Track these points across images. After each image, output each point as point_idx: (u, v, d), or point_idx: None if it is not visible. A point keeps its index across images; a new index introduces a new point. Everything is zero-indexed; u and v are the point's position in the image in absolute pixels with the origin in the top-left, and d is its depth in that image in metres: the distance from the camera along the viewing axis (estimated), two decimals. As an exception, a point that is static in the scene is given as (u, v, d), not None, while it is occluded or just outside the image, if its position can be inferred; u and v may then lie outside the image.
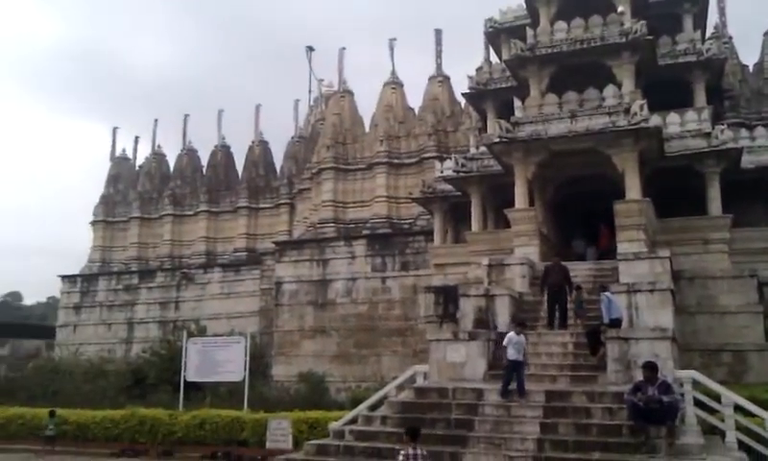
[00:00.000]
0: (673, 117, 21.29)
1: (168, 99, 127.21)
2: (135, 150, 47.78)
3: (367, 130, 34.27)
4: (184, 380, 20.19)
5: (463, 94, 27.85)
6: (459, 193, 24.13)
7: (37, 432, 19.56)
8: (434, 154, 30.55)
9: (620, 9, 21.67)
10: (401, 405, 13.37)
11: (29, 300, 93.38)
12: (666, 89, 21.72)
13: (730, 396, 12.37)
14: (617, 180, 18.95)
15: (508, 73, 24.21)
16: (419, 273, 28.22)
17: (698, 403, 12.54)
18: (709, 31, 25.64)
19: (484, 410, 12.40)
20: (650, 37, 20.83)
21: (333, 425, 13.71)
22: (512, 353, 12.55)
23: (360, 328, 28.93)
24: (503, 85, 25.63)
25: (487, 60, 27.88)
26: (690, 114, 21.42)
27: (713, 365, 17.08)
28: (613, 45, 20.85)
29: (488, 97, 26.25)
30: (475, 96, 26.76)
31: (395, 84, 34.32)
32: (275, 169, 42.31)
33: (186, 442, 18.08)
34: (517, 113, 21.86)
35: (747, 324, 17.95)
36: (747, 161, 20.86)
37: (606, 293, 14.45)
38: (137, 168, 46.81)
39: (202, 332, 27.27)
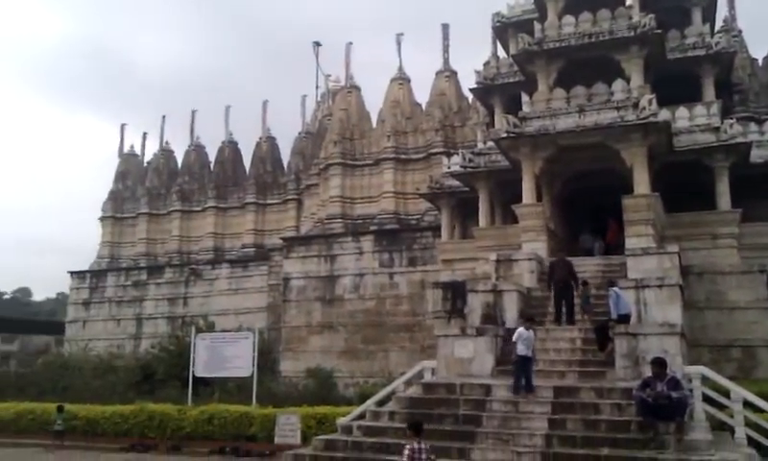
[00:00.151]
0: (682, 112, 21.17)
1: (176, 95, 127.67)
2: (144, 146, 47.98)
3: (374, 125, 34.22)
4: (193, 376, 20.25)
5: (470, 89, 27.82)
6: (466, 188, 24.09)
7: (47, 427, 19.66)
8: (441, 149, 30.47)
9: (629, 2, 21.60)
10: (409, 401, 13.37)
11: (38, 296, 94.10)
12: (675, 84, 21.61)
13: (739, 391, 12.31)
14: (626, 174, 18.88)
15: (515, 68, 24.15)
16: (426, 268, 28.19)
17: (707, 399, 12.50)
18: (719, 24, 25.51)
19: (492, 406, 12.38)
20: (659, 31, 20.72)
21: (341, 421, 13.71)
22: (521, 349, 12.52)
23: (368, 324, 28.94)
24: (511, 80, 25.59)
25: (494, 54, 27.82)
26: (699, 109, 21.30)
27: (722, 361, 17.02)
28: (622, 39, 20.76)
29: (495, 92, 26.20)
30: (483, 91, 26.70)
31: (402, 79, 34.26)
32: (282, 165, 42.35)
33: (195, 437, 18.11)
34: (525, 108, 21.79)
35: (756, 319, 17.86)
36: (756, 156, 20.73)
37: (614, 288, 14.41)
38: (145, 164, 46.92)
39: (210, 328, 27.32)
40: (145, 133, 48.39)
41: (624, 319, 13.90)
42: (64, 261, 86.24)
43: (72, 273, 43.65)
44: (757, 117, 23.02)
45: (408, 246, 29.42)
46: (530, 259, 18.18)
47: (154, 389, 22.73)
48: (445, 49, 33.78)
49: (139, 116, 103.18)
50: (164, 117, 46.47)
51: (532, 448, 10.90)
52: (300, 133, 42.14)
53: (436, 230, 27.35)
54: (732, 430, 12.28)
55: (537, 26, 22.34)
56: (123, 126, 47.90)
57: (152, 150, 47.49)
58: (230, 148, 43.66)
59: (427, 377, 14.51)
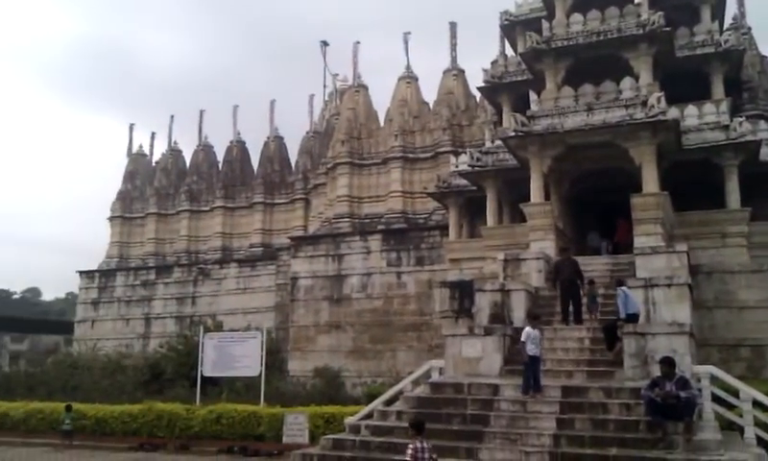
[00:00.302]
0: (691, 110, 21.05)
1: (184, 95, 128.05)
2: (152, 146, 48.15)
3: (382, 124, 34.20)
4: (201, 375, 20.29)
5: (478, 88, 27.76)
6: (474, 187, 24.05)
7: (57, 427, 19.74)
8: (449, 148, 30.43)
9: (637, 0, 21.47)
10: (417, 400, 13.36)
11: (48, 295, 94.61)
12: (684, 81, 21.50)
13: (748, 391, 12.22)
14: (634, 173, 18.79)
15: (523, 66, 24.06)
16: (434, 268, 28.15)
17: (716, 399, 12.41)
18: (728, 22, 25.35)
19: (500, 405, 12.35)
20: (667, 29, 20.62)
21: (349, 420, 13.70)
22: (531, 349, 12.47)
23: (375, 323, 28.92)
24: (519, 79, 25.51)
25: (502, 53, 27.76)
26: (708, 107, 21.16)
27: (732, 360, 16.90)
28: (630, 37, 20.66)
29: (503, 90, 26.14)
30: (490, 90, 26.64)
31: (409, 78, 34.23)
32: (290, 164, 42.40)
33: (203, 436, 18.15)
34: (533, 107, 21.73)
35: (766, 319, 17.68)
36: (766, 154, 20.60)
37: (622, 288, 14.33)
38: (154, 164, 47.07)
39: (218, 327, 27.38)
40: (153, 133, 48.65)
41: (632, 318, 13.81)
42: (74, 261, 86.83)
43: (81, 272, 43.84)
44: (767, 115, 22.87)
45: (416, 245, 29.38)
46: (538, 259, 18.11)
47: (162, 388, 22.81)
48: (453, 48, 33.71)
49: (148, 116, 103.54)
50: (172, 117, 46.72)
51: (540, 448, 10.88)
52: (307, 133, 42.18)
53: (444, 229, 27.31)
54: (741, 430, 12.19)
55: (545, 24, 22.27)
56: (131, 126, 48.13)
57: (160, 150, 47.71)
58: (238, 147, 43.75)
59: (435, 377, 14.47)
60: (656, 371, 11.41)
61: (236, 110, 43.64)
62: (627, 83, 19.82)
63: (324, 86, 45.41)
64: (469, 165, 23.57)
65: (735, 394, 12.37)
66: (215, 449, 17.44)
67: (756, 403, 12.16)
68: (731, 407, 12.45)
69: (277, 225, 39.85)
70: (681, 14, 23.16)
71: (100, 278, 42.90)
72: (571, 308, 15.44)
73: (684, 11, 23.54)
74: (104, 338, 39.00)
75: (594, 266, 17.92)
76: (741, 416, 12.21)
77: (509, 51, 27.72)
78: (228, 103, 49.99)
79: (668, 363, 10.92)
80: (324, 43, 45.19)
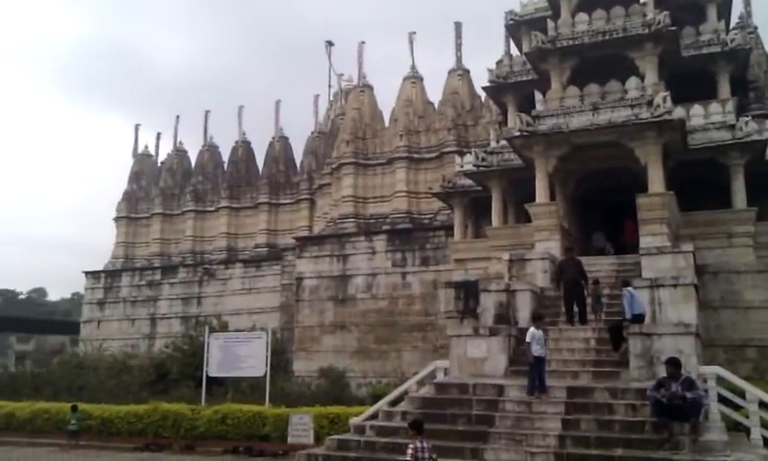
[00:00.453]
0: (697, 109, 20.99)
1: (189, 96, 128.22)
2: (158, 146, 48.10)
3: (387, 124, 34.16)
4: (206, 375, 20.32)
5: (483, 88, 27.74)
6: (479, 188, 24.03)
7: (63, 427, 19.82)
8: (454, 148, 30.37)
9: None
10: (422, 401, 13.35)
11: (53, 296, 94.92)
12: (690, 81, 21.43)
13: (754, 392, 12.20)
14: (640, 173, 18.74)
15: (529, 66, 24.03)
16: (439, 268, 28.11)
17: (722, 400, 12.40)
18: (734, 21, 25.26)
19: (505, 406, 12.33)
20: (673, 28, 20.57)
21: (354, 421, 13.72)
22: (536, 349, 12.43)
23: (380, 324, 28.89)
24: (524, 79, 25.48)
25: (507, 52, 27.71)
26: (714, 106, 21.09)
27: (738, 361, 16.86)
28: (636, 37, 20.61)
29: (508, 90, 26.11)
30: (495, 89, 26.62)
31: (414, 78, 34.18)
32: (295, 165, 42.39)
33: (208, 436, 18.19)
34: (538, 106, 21.68)
35: (772, 319, 17.68)
36: (772, 153, 20.51)
37: (628, 288, 14.28)
38: (159, 164, 47.08)
39: (223, 328, 27.43)
40: (159, 134, 48.60)
41: (638, 319, 13.77)
42: (79, 261, 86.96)
43: (87, 273, 43.91)
44: (773, 114, 22.77)
45: (421, 245, 29.35)
46: (543, 259, 18.08)
47: (167, 389, 22.86)
48: (458, 47, 33.65)
49: (154, 117, 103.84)
50: (178, 117, 46.68)
51: (545, 449, 10.86)
52: (312, 133, 42.18)
53: (449, 229, 27.27)
54: (747, 431, 12.17)
55: (550, 24, 22.23)
56: (137, 126, 48.12)
57: (166, 150, 47.72)
58: (243, 148, 43.77)
59: (440, 377, 14.46)
60: (662, 371, 11.37)
61: (241, 111, 43.70)
62: (632, 82, 19.77)
63: (329, 86, 45.45)
64: (474, 165, 23.55)
65: (742, 394, 12.35)
66: (220, 450, 17.48)
67: (763, 404, 12.15)
68: (737, 408, 12.43)
69: (282, 225, 39.84)
70: (686, 14, 23.09)
71: (105, 278, 42.96)
72: (576, 309, 15.41)
73: (689, 10, 23.46)
74: (109, 338, 39.03)
75: (600, 266, 17.89)
76: (747, 417, 12.21)
77: (514, 51, 27.68)
78: (234, 103, 50.25)
79: (674, 364, 10.88)
80: (330, 43, 45.21)
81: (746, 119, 20.31)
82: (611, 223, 20.98)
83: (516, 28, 27.09)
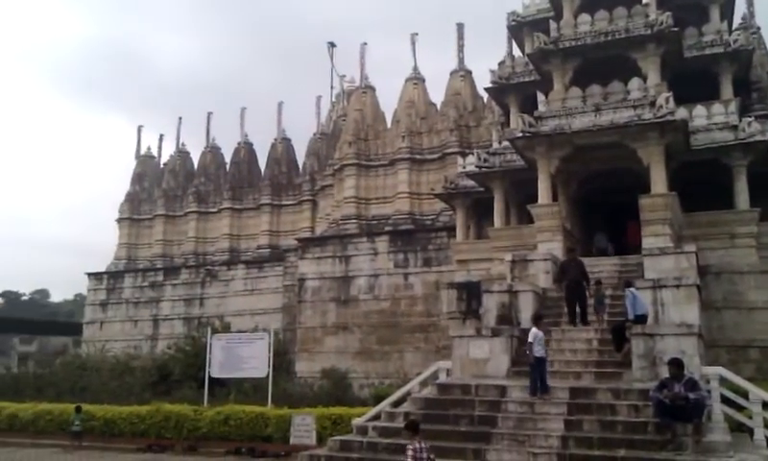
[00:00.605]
0: (699, 110, 20.97)
1: (192, 97, 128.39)
2: (160, 148, 48.29)
3: (389, 125, 34.20)
4: (209, 376, 20.30)
5: (485, 89, 27.74)
6: (481, 189, 24.02)
7: (66, 428, 19.81)
8: (456, 149, 30.39)
9: (645, 0, 21.40)
10: (424, 402, 13.34)
11: (56, 297, 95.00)
12: (692, 82, 21.41)
13: (757, 392, 12.17)
14: (642, 174, 18.73)
15: (531, 67, 24.04)
16: (441, 269, 28.12)
17: (725, 400, 12.38)
18: (737, 21, 25.23)
19: (507, 407, 12.31)
20: (676, 29, 20.55)
21: (356, 422, 13.70)
22: (538, 350, 12.42)
23: (382, 325, 28.90)
24: (526, 80, 25.49)
25: (509, 54, 27.73)
26: (717, 107, 21.07)
27: (741, 361, 16.81)
28: (638, 37, 20.60)
29: (510, 91, 26.11)
30: (498, 90, 26.62)
31: (416, 79, 34.21)
32: (297, 166, 42.44)
33: (211, 437, 18.17)
34: (541, 107, 21.69)
35: (775, 320, 17.64)
36: (775, 154, 20.48)
37: (631, 289, 14.28)
38: (162, 166, 47.18)
39: (226, 329, 27.41)
40: (162, 135, 48.78)
41: (641, 319, 13.76)
42: (82, 263, 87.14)
43: (90, 274, 44.00)
44: (776, 115, 22.73)
45: (423, 246, 29.35)
46: (545, 260, 18.06)
47: (170, 390, 22.83)
48: (460, 49, 33.67)
49: (156, 118, 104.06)
50: (180, 119, 46.85)
51: (548, 450, 10.84)
52: (314, 134, 42.22)
53: (451, 230, 27.27)
54: (750, 432, 12.14)
55: (552, 25, 22.23)
56: (140, 128, 48.31)
57: (168, 152, 47.87)
58: (246, 149, 43.82)
59: (442, 378, 14.45)
60: (664, 372, 11.35)
61: (244, 112, 43.78)
62: (635, 83, 19.76)
63: (332, 88, 45.49)
64: (477, 166, 23.55)
65: (745, 395, 12.33)
66: (223, 451, 17.46)
67: (766, 405, 12.11)
68: (740, 409, 12.41)
69: (285, 226, 39.90)
70: (689, 14, 23.07)
71: (108, 279, 43.03)
72: (578, 310, 15.39)
73: (692, 10, 23.44)
74: (112, 339, 39.12)
75: (602, 267, 17.87)
76: (750, 417, 12.18)
77: (516, 52, 27.70)
78: (236, 104, 50.29)
79: (677, 364, 10.86)
80: (332, 44, 45.24)
81: (749, 120, 20.30)
82: (613, 224, 20.96)
83: (518, 29, 27.09)
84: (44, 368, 31.65)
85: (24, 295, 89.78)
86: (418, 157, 31.97)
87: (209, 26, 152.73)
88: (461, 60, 33.72)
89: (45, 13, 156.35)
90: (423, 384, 14.84)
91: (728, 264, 18.71)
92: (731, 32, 23.11)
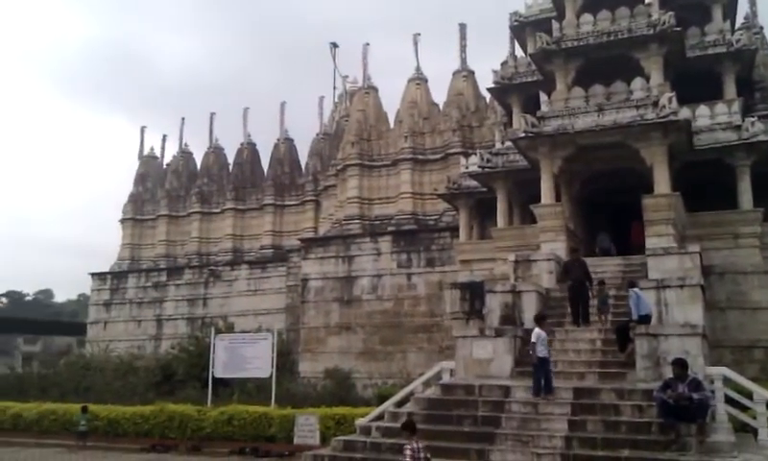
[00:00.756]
0: (702, 110, 20.94)
1: (195, 98, 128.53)
2: (163, 148, 48.40)
3: (391, 126, 34.21)
4: (212, 376, 20.33)
5: (488, 89, 27.73)
6: (484, 189, 24.01)
7: (70, 428, 19.86)
8: (459, 149, 30.39)
9: (648, 0, 21.38)
10: (427, 402, 13.36)
11: (60, 297, 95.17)
12: (695, 81, 21.38)
13: (762, 393, 12.16)
14: (645, 174, 18.71)
15: (533, 67, 24.02)
16: (444, 269, 28.13)
17: (729, 401, 12.37)
18: (739, 21, 25.19)
19: (511, 407, 12.33)
20: (678, 29, 20.52)
21: (360, 422, 13.72)
22: (541, 350, 12.43)
23: (386, 325, 28.92)
24: (529, 80, 25.47)
25: (512, 54, 27.71)
26: (720, 107, 21.05)
27: (745, 361, 16.80)
28: (641, 37, 20.58)
29: (513, 91, 26.09)
30: (500, 91, 26.60)
31: (419, 79, 34.22)
32: (300, 166, 42.48)
33: (214, 437, 18.20)
34: (543, 108, 21.67)
35: (779, 320, 17.62)
36: (779, 154, 20.46)
37: (634, 289, 14.26)
38: (165, 166, 47.25)
39: (229, 329, 27.44)
40: (165, 136, 48.90)
41: (645, 319, 13.75)
42: (86, 263, 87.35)
43: (93, 274, 44.09)
44: (780, 115, 22.69)
45: (426, 247, 29.36)
46: (549, 260, 18.07)
47: (174, 390, 22.88)
48: (463, 49, 33.68)
49: (159, 119, 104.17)
50: (183, 119, 46.97)
51: (551, 450, 10.86)
52: (317, 135, 42.24)
53: (454, 230, 27.27)
54: (754, 432, 12.13)
55: (555, 25, 22.21)
56: (143, 128, 48.38)
57: (171, 152, 47.97)
58: (249, 149, 43.86)
59: (446, 378, 14.47)
60: (668, 372, 11.35)
61: (246, 113, 43.81)
62: (638, 83, 19.74)
63: (334, 88, 45.54)
64: (480, 166, 23.54)
65: (749, 395, 12.32)
66: (227, 451, 17.48)
67: (770, 405, 12.09)
68: (744, 409, 12.40)
69: (288, 226, 39.94)
70: (692, 14, 23.04)
71: (112, 279, 43.11)
72: (581, 310, 15.39)
73: (694, 10, 23.41)
74: (116, 339, 39.15)
75: (606, 267, 17.87)
76: (755, 418, 12.17)
77: (519, 52, 27.67)
78: (239, 105, 50.10)
79: (681, 365, 10.87)
80: (334, 45, 45.26)
81: (752, 119, 20.27)
82: (616, 224, 20.93)
83: (520, 29, 27.08)
84: (48, 368, 31.70)
85: (28, 295, 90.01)
86: (420, 157, 31.98)
87: (211, 26, 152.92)
88: (463, 61, 33.72)
89: (47, 15, 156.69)
90: (427, 384, 14.85)
91: (731, 264, 18.69)
92: (733, 31, 23.09)
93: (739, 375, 12.84)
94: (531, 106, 23.92)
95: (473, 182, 24.41)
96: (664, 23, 20.28)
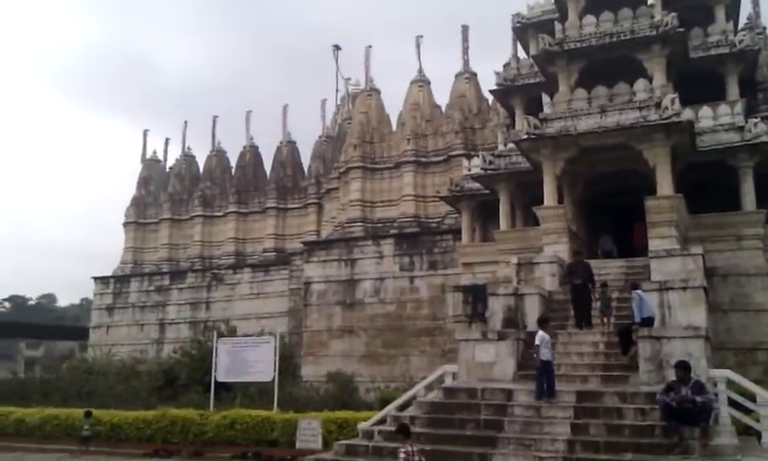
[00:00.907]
0: (705, 111, 20.89)
1: (197, 101, 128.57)
2: (166, 152, 48.37)
3: (394, 128, 34.20)
4: (215, 380, 20.31)
5: (490, 91, 27.66)
6: (487, 191, 23.97)
7: (72, 432, 19.85)
8: (461, 151, 30.35)
9: (650, 1, 21.34)
10: (430, 406, 13.31)
11: (63, 301, 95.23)
12: (698, 83, 21.32)
13: (765, 395, 12.10)
14: (648, 175, 18.66)
15: (536, 69, 23.99)
16: (447, 272, 28.08)
17: (732, 403, 12.30)
18: (742, 22, 25.15)
19: (513, 411, 12.28)
20: (681, 30, 20.47)
21: (362, 426, 13.69)
22: (545, 354, 12.38)
23: (388, 328, 28.87)
24: (531, 81, 25.42)
25: (514, 55, 27.65)
26: (723, 108, 20.98)
27: (748, 364, 16.74)
28: (644, 38, 20.53)
29: (515, 93, 26.05)
30: (503, 92, 26.56)
31: (421, 81, 34.21)
32: (302, 169, 42.47)
33: (217, 442, 18.18)
34: (546, 109, 21.63)
35: (783, 322, 17.55)
36: (782, 155, 20.38)
37: (637, 291, 14.20)
38: (168, 170, 47.28)
39: (232, 333, 27.43)
40: (167, 139, 48.84)
41: (648, 322, 13.70)
42: (89, 267, 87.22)
43: (96, 278, 44.09)
44: (783, 116, 22.62)
45: (428, 249, 29.32)
46: (551, 262, 18.02)
47: (176, 394, 22.88)
48: (465, 51, 33.66)
49: (162, 122, 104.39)
50: (186, 123, 46.89)
51: (554, 454, 10.82)
52: (320, 137, 42.24)
53: (456, 233, 27.23)
54: (758, 435, 12.07)
55: (557, 26, 22.17)
56: (145, 132, 48.41)
57: (174, 155, 47.98)
58: (251, 152, 43.87)
59: (448, 382, 14.43)
60: (671, 375, 11.31)
61: (249, 116, 43.82)
62: (640, 84, 19.69)
63: (337, 91, 45.50)
64: (482, 168, 23.50)
65: (752, 398, 12.26)
66: (229, 455, 17.45)
67: (774, 408, 12.02)
68: (747, 412, 12.34)
69: (290, 230, 39.92)
70: (694, 15, 22.98)
71: (114, 283, 43.14)
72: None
73: (697, 11, 23.35)
74: (118, 344, 39.10)
75: (609, 269, 17.83)
76: (758, 420, 12.11)
77: (521, 53, 27.62)
78: (241, 108, 50.14)
79: (684, 367, 10.82)
80: (337, 47, 45.27)
81: (755, 121, 20.20)
82: (619, 226, 20.89)
83: (523, 31, 27.04)
84: (51, 373, 31.74)
85: (31, 299, 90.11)
86: (423, 159, 31.95)
87: (213, 29, 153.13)
88: (466, 63, 33.71)
89: (49, 17, 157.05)
90: (429, 388, 14.80)
91: (734, 266, 18.64)
92: (736, 32, 23.04)
93: (742, 377, 12.78)
94: (534, 107, 23.88)
95: (476, 185, 24.38)
96: (667, 24, 20.23)
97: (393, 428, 12.73)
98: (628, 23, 21.05)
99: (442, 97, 34.41)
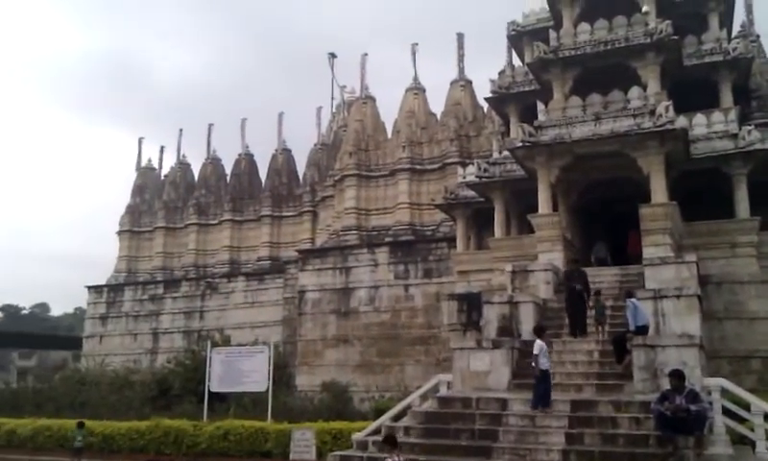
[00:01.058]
0: (699, 118, 20.91)
1: (193, 109, 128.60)
2: (161, 160, 48.27)
3: (389, 136, 34.20)
4: (208, 391, 20.15)
5: (485, 98, 27.72)
6: (482, 199, 23.95)
7: (65, 444, 19.66)
8: (456, 159, 30.36)
9: (645, 9, 21.36)
10: (424, 415, 13.23)
11: (56, 311, 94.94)
12: (692, 90, 21.37)
13: (760, 404, 12.03)
14: (642, 183, 18.65)
15: (531, 76, 24.01)
16: (442, 280, 28.01)
17: (727, 412, 12.23)
18: (736, 30, 25.22)
19: (508, 420, 12.20)
20: (675, 37, 20.51)
21: (356, 436, 13.59)
22: (544, 363, 12.29)
23: (383, 337, 28.77)
24: (526, 89, 25.46)
25: (509, 63, 27.71)
26: (717, 115, 21.01)
27: (743, 372, 16.68)
28: (638, 46, 20.56)
29: (510, 101, 26.07)
30: (498, 100, 26.59)
31: (417, 89, 34.22)
32: (297, 177, 42.42)
33: (210, 453, 18.01)
34: (541, 117, 21.66)
35: (777, 329, 17.50)
36: (776, 162, 20.39)
37: (631, 299, 14.16)
38: (163, 178, 47.14)
39: (226, 342, 27.23)
40: (162, 147, 48.76)
41: (642, 330, 13.65)
42: (82, 276, 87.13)
43: (89, 287, 43.88)
44: (776, 123, 22.64)
45: (423, 257, 29.26)
46: (546, 270, 17.96)
47: (170, 404, 22.70)
48: (460, 58, 33.70)
49: (157, 130, 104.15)
50: (181, 131, 46.77)
51: (549, 464, 10.73)
52: (315, 145, 42.21)
53: (451, 240, 27.17)
54: (752, 444, 12.01)
55: (552, 34, 22.22)
56: (140, 140, 48.27)
57: (169, 163, 47.86)
58: (246, 160, 43.81)
59: (443, 391, 14.34)
60: (666, 384, 11.26)
61: (244, 123, 43.80)
62: (635, 92, 19.72)
63: (332, 98, 45.57)
64: (477, 176, 23.49)
65: (747, 407, 12.18)
66: (222, 467, 17.33)
67: (769, 417, 11.97)
68: (742, 421, 12.27)
69: (285, 238, 39.82)
70: (688, 23, 23.03)
71: (108, 292, 42.94)
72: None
73: (691, 19, 23.42)
74: (112, 353, 38.88)
75: (603, 277, 17.77)
76: (753, 430, 12.03)
77: (516, 61, 27.69)
78: (237, 116, 50.15)
79: (678, 376, 10.77)
80: (332, 55, 45.35)
81: (749, 128, 20.23)
82: (613, 233, 20.86)
83: (518, 38, 27.09)
84: (43, 383, 31.51)
85: (24, 309, 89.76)
86: (418, 167, 31.94)
87: (209, 37, 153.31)
88: (461, 70, 33.75)
89: (46, 26, 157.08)
90: (424, 398, 14.71)
91: (729, 274, 18.60)
92: (730, 40, 23.10)
93: (737, 386, 12.71)
94: (528, 115, 23.88)
95: (471, 192, 24.35)
96: (661, 32, 20.27)
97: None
98: (622, 31, 21.09)
99: (437, 105, 34.53)
